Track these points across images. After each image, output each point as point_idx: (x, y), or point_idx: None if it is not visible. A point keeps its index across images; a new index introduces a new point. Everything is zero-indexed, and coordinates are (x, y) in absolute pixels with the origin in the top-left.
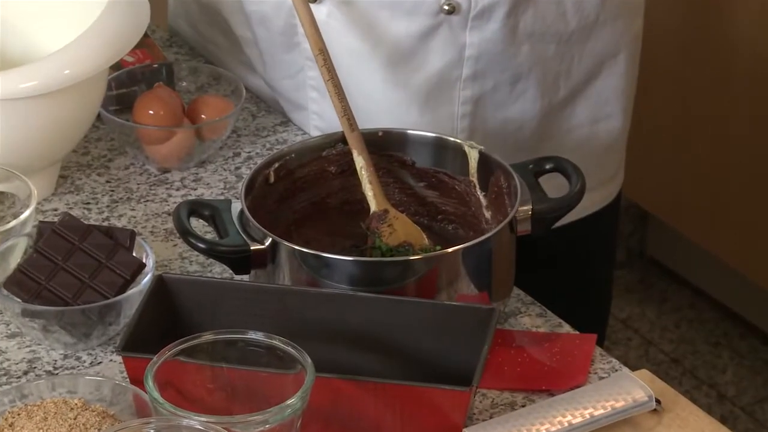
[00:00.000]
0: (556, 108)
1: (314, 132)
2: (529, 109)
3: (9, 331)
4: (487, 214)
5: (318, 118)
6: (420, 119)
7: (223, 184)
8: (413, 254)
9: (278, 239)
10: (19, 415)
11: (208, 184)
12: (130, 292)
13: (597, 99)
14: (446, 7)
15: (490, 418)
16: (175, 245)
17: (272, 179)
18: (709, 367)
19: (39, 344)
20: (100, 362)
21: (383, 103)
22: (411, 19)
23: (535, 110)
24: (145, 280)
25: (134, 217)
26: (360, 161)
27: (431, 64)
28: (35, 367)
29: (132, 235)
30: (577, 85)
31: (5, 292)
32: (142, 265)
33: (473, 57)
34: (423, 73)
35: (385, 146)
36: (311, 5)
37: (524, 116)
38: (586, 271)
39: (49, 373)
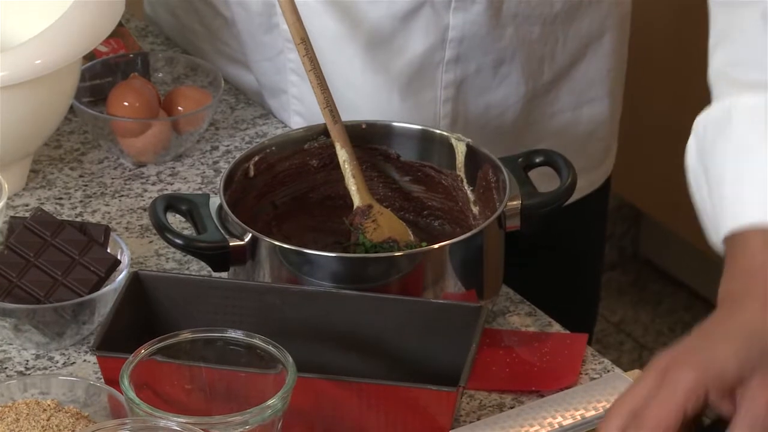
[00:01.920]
0: (540, 92)
1: (294, 117)
2: (512, 93)
3: None
4: (475, 210)
5: (298, 103)
6: (401, 105)
7: (201, 178)
8: (398, 251)
9: (258, 235)
10: None
11: (185, 178)
12: (104, 289)
13: (581, 83)
14: None
15: (478, 420)
16: (150, 242)
17: (252, 173)
18: None
19: (10, 344)
20: (74, 362)
21: (363, 89)
22: (392, 0)
23: (519, 94)
24: (120, 277)
25: (108, 213)
26: (343, 154)
27: (413, 47)
28: (6, 368)
29: (106, 230)
30: (562, 69)
31: None
32: (117, 262)
33: (456, 39)
34: (404, 57)
35: (369, 139)
36: None
37: (507, 101)
38: (573, 263)
39: (20, 373)
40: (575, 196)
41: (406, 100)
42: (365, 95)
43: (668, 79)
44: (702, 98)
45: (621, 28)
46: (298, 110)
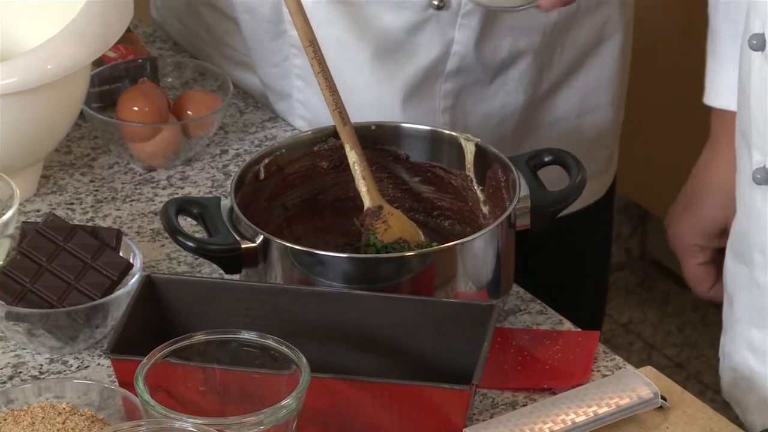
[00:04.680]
0: (539, 100)
1: (299, 122)
2: (511, 101)
3: None
4: (485, 209)
5: (302, 108)
6: (402, 114)
7: (211, 182)
8: (409, 251)
9: (270, 237)
10: (5, 420)
11: (195, 182)
12: (117, 293)
13: (582, 91)
14: (435, 2)
15: (491, 418)
16: (162, 245)
17: (262, 175)
18: (714, 372)
19: (24, 348)
20: (87, 366)
21: (367, 97)
22: (399, 13)
23: (518, 103)
24: (133, 280)
25: (119, 218)
26: (353, 156)
27: (418, 59)
28: (20, 372)
29: (118, 234)
30: (560, 77)
31: None
32: (130, 266)
33: (459, 53)
34: (409, 68)
35: (379, 140)
36: None
37: (506, 109)
38: (581, 267)
39: (34, 378)
40: (581, 204)
41: (407, 110)
42: (368, 104)
43: (674, 77)
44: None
45: (622, 37)
46: (303, 115)
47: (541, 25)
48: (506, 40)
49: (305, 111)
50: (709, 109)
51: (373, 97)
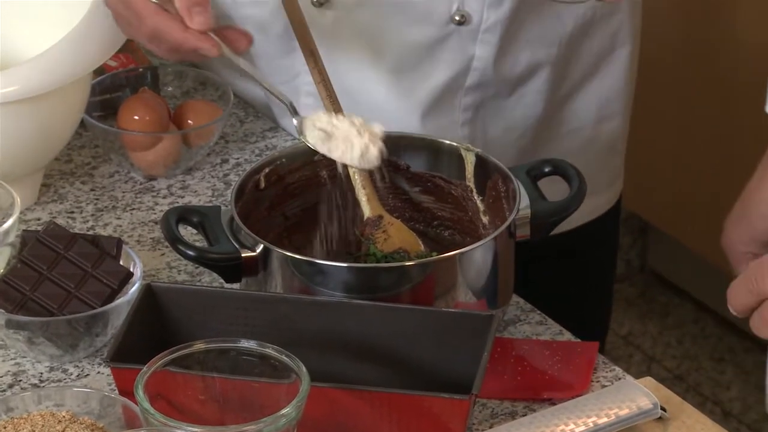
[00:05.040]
0: (557, 110)
1: None
2: (530, 113)
3: None
4: (485, 219)
5: None
6: (421, 129)
7: (211, 191)
8: (408, 261)
9: (270, 246)
10: (5, 428)
11: (195, 191)
12: (117, 301)
13: (599, 98)
14: (457, 18)
15: (490, 428)
16: (162, 254)
17: (263, 185)
18: (714, 384)
19: (24, 356)
20: (88, 374)
21: (386, 112)
22: (420, 29)
23: (536, 114)
24: (133, 289)
25: (120, 226)
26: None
27: (438, 74)
28: (20, 380)
29: (119, 243)
30: (576, 85)
31: None
32: (130, 274)
33: (480, 68)
34: (429, 83)
35: None
36: (318, 9)
37: (526, 120)
38: (588, 281)
39: (34, 386)
40: (594, 214)
41: (427, 124)
42: (388, 118)
43: (675, 90)
44: (709, 109)
45: (633, 44)
46: None
47: (557, 35)
48: (525, 53)
49: None
50: (709, 117)
51: (392, 111)
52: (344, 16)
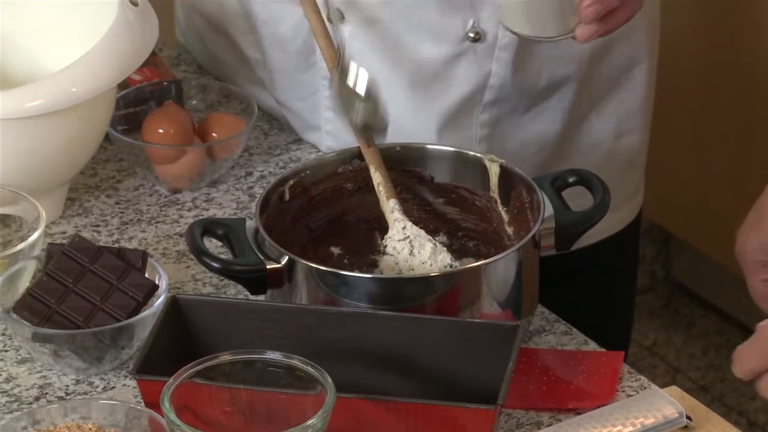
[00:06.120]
0: (576, 126)
1: (326, 152)
2: (548, 129)
3: (19, 357)
4: (509, 230)
5: (331, 139)
6: (438, 143)
7: (236, 204)
8: (433, 271)
9: (295, 257)
10: None
11: (220, 204)
12: (143, 314)
13: (618, 113)
14: (471, 35)
15: None
16: (187, 267)
17: (287, 197)
18: (739, 394)
19: (50, 369)
20: (113, 387)
21: (403, 128)
22: (436, 45)
23: (555, 130)
24: (159, 301)
25: (145, 239)
26: (377, 177)
27: (455, 90)
28: (47, 393)
29: (144, 256)
30: (596, 102)
31: (15, 316)
32: (155, 287)
33: (497, 85)
34: (446, 99)
35: (403, 162)
36: (332, 25)
37: (544, 136)
38: (608, 293)
39: (60, 398)
40: (615, 228)
41: (443, 139)
42: (404, 134)
43: (696, 99)
44: (730, 118)
45: (652, 58)
46: (331, 146)
47: (578, 54)
48: (544, 71)
49: (333, 141)
50: (731, 126)
51: (408, 126)
52: (360, 32)
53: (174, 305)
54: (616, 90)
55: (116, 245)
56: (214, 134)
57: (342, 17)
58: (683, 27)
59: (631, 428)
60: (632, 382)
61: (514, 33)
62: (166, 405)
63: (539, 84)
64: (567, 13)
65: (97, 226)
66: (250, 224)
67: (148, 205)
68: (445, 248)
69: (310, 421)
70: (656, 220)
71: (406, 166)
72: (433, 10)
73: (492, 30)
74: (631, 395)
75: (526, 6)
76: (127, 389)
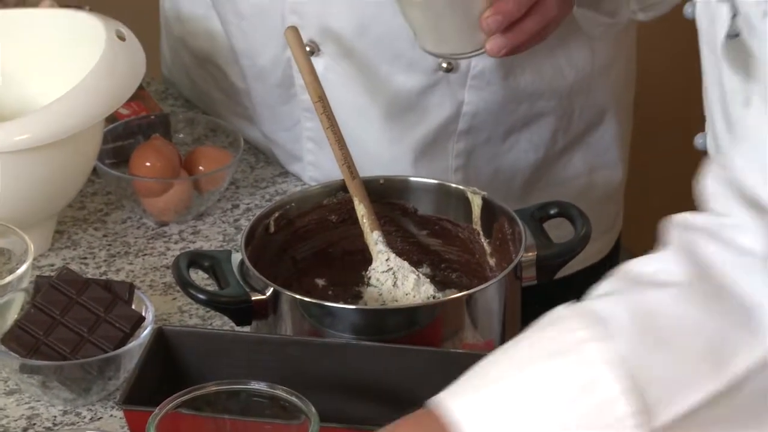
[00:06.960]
0: (552, 158)
1: (309, 183)
2: (522, 159)
3: (7, 388)
4: (492, 261)
5: (314, 169)
6: (414, 174)
7: (222, 236)
8: (416, 303)
9: (280, 289)
10: None
11: (206, 236)
12: (129, 345)
13: (596, 149)
14: (444, 65)
15: None
16: (174, 299)
17: (272, 229)
18: None
19: (38, 400)
20: (101, 417)
21: (378, 158)
22: (409, 75)
23: (529, 160)
24: (145, 333)
25: (132, 272)
26: (361, 209)
27: (429, 120)
28: (35, 424)
29: (131, 288)
30: (576, 136)
31: (3, 348)
32: (142, 318)
33: (470, 113)
34: (420, 129)
35: (387, 194)
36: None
37: (517, 165)
38: None
39: (48, 429)
40: (590, 260)
41: (419, 169)
42: (380, 164)
43: (673, 131)
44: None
45: (629, 94)
46: (314, 176)
47: (558, 88)
48: (523, 103)
49: (316, 172)
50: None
51: (384, 156)
52: (334, 64)
53: (160, 336)
54: (595, 126)
55: (104, 277)
56: (200, 167)
57: (317, 49)
58: (661, 62)
59: None
60: None
61: (433, 54)
62: None
63: (516, 115)
64: (475, 28)
65: (85, 258)
66: (236, 256)
67: (136, 238)
68: (428, 279)
69: None
70: (636, 252)
71: (390, 199)
72: (405, 41)
73: (464, 60)
74: None
75: (436, 26)
76: (114, 420)
